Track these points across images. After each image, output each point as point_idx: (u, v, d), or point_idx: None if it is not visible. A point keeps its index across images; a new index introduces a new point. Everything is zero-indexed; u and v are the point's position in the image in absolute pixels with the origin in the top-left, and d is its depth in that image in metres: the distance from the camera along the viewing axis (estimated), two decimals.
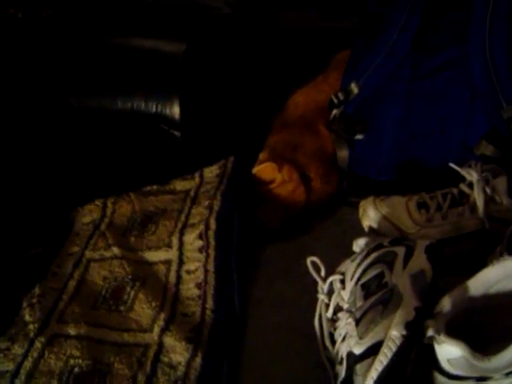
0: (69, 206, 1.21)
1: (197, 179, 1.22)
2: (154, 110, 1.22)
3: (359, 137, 1.14)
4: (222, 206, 1.12)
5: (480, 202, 0.96)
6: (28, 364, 0.91)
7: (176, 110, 1.21)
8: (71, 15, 1.39)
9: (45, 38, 1.35)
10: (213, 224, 1.09)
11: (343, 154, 1.16)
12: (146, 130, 1.25)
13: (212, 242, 1.06)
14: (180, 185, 1.22)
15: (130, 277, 1.04)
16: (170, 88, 1.22)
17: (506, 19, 1.06)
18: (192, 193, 1.19)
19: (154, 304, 0.97)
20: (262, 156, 1.16)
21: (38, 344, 0.94)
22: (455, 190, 1.01)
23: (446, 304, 0.75)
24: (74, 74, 1.30)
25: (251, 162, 1.16)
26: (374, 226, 1.03)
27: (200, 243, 1.06)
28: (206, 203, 1.14)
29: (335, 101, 1.18)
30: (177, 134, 1.24)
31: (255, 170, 1.13)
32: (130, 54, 1.27)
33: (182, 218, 1.13)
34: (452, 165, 1.01)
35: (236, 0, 1.42)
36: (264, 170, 1.12)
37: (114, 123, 1.26)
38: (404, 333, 0.74)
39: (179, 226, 1.12)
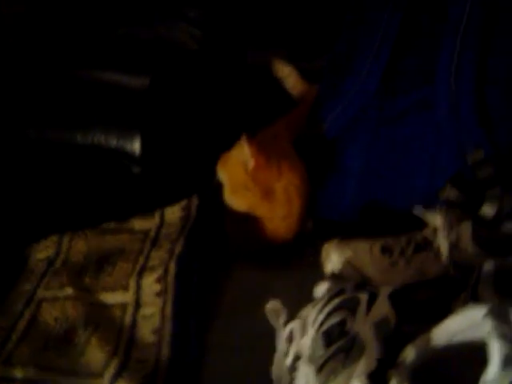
0: (23, 242, 1.17)
1: (157, 219, 1.20)
2: (114, 144, 1.20)
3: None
4: (183, 251, 1.10)
5: (444, 248, 0.95)
6: None
7: (137, 146, 1.19)
8: (36, 47, 1.37)
9: (7, 66, 1.32)
10: (172, 268, 1.06)
11: None
12: (106, 164, 1.23)
13: (170, 286, 1.03)
14: (139, 224, 1.19)
15: (83, 319, 1.00)
16: (131, 123, 1.20)
17: (472, 63, 1.07)
18: (152, 233, 1.16)
19: (106, 348, 0.94)
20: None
21: None
22: (419, 235, 0.99)
23: (409, 354, 0.73)
24: (33, 105, 1.28)
25: (214, 203, 1.13)
26: (337, 270, 1.01)
27: (158, 287, 1.04)
28: (168, 247, 1.11)
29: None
30: (137, 169, 1.22)
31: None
32: (92, 86, 1.25)
33: (141, 260, 1.11)
34: (416, 211, 0.99)
35: (203, 36, 1.41)
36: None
37: (72, 156, 1.24)
38: None
39: (137, 268, 1.09)
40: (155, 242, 1.14)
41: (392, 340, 0.79)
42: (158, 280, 1.04)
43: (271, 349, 0.87)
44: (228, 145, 1.27)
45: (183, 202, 1.21)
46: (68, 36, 1.35)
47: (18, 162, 1.25)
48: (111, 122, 1.22)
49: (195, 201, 1.21)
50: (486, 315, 0.69)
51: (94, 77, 1.26)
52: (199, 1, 1.42)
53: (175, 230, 1.15)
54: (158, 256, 1.10)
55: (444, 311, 0.79)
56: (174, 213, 1.20)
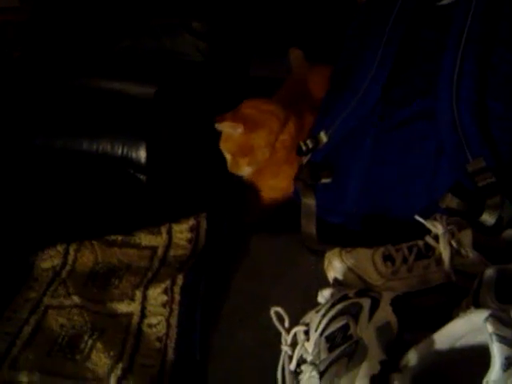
0: (28, 249, 1.17)
1: (164, 235, 1.20)
2: (120, 152, 1.21)
3: (325, 181, 1.14)
4: (192, 266, 1.11)
5: (446, 255, 0.96)
6: None
7: (142, 154, 1.21)
8: (42, 56, 1.39)
9: (14, 77, 1.34)
10: (180, 279, 1.07)
11: (310, 201, 1.16)
12: (112, 172, 1.24)
13: (177, 297, 1.04)
14: (146, 239, 1.20)
15: (88, 326, 1.01)
16: (137, 131, 1.22)
17: (473, 75, 1.08)
18: (159, 253, 1.17)
19: (111, 353, 0.94)
20: None
21: None
22: (421, 243, 1.00)
23: (411, 357, 0.74)
24: (40, 114, 1.29)
25: (225, 226, 1.17)
26: (340, 277, 1.02)
27: (164, 298, 1.04)
28: (177, 266, 1.12)
29: (303, 148, 1.19)
30: (142, 177, 1.23)
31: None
32: (99, 95, 1.26)
33: (149, 275, 1.11)
34: (417, 217, 1.00)
35: (208, 48, 1.43)
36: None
37: (78, 164, 1.24)
38: None
39: (145, 281, 1.09)
40: (164, 261, 1.14)
41: (394, 346, 0.80)
42: (165, 291, 1.05)
43: (275, 355, 0.87)
44: None
45: (191, 221, 1.21)
46: (74, 45, 1.37)
47: (24, 169, 1.26)
48: (117, 130, 1.23)
49: (204, 224, 1.20)
50: (486, 319, 0.69)
51: (100, 86, 1.28)
52: (204, 13, 1.44)
53: (184, 252, 1.16)
54: (166, 272, 1.11)
55: (446, 318, 0.79)
56: (181, 232, 1.20)
